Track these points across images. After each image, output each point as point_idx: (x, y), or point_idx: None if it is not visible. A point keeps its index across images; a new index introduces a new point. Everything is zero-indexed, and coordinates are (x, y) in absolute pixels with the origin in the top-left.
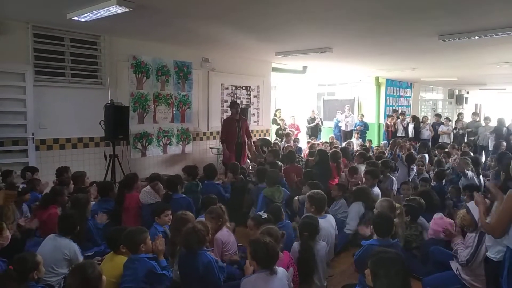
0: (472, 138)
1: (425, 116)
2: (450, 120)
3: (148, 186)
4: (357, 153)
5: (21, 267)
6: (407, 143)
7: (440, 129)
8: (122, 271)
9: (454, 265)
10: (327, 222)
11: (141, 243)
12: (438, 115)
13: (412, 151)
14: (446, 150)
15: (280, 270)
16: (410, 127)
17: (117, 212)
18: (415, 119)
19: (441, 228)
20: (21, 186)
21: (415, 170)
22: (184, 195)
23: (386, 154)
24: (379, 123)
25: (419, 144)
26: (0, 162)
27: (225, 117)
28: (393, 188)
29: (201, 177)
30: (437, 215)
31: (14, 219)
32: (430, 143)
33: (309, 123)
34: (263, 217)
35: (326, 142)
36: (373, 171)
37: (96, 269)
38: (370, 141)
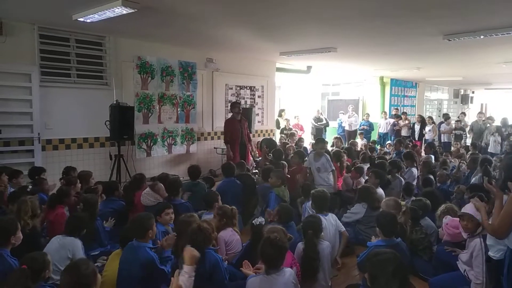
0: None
1: (430, 117)
2: (449, 117)
3: (147, 188)
4: (361, 154)
5: (34, 266)
6: (410, 144)
7: (442, 129)
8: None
9: (461, 266)
10: (329, 221)
11: (149, 229)
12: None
13: (411, 150)
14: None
15: (287, 270)
16: (417, 127)
17: (124, 212)
18: (421, 119)
19: (457, 229)
20: (29, 186)
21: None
22: (183, 201)
23: (392, 154)
24: None
25: (424, 145)
26: (6, 162)
27: (229, 117)
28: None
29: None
30: (446, 219)
31: (35, 213)
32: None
33: (316, 123)
34: (256, 224)
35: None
36: (377, 172)
37: (90, 266)
38: (374, 141)
